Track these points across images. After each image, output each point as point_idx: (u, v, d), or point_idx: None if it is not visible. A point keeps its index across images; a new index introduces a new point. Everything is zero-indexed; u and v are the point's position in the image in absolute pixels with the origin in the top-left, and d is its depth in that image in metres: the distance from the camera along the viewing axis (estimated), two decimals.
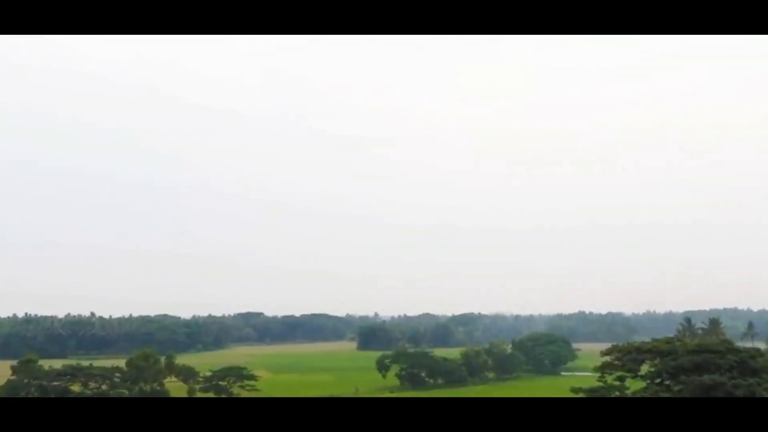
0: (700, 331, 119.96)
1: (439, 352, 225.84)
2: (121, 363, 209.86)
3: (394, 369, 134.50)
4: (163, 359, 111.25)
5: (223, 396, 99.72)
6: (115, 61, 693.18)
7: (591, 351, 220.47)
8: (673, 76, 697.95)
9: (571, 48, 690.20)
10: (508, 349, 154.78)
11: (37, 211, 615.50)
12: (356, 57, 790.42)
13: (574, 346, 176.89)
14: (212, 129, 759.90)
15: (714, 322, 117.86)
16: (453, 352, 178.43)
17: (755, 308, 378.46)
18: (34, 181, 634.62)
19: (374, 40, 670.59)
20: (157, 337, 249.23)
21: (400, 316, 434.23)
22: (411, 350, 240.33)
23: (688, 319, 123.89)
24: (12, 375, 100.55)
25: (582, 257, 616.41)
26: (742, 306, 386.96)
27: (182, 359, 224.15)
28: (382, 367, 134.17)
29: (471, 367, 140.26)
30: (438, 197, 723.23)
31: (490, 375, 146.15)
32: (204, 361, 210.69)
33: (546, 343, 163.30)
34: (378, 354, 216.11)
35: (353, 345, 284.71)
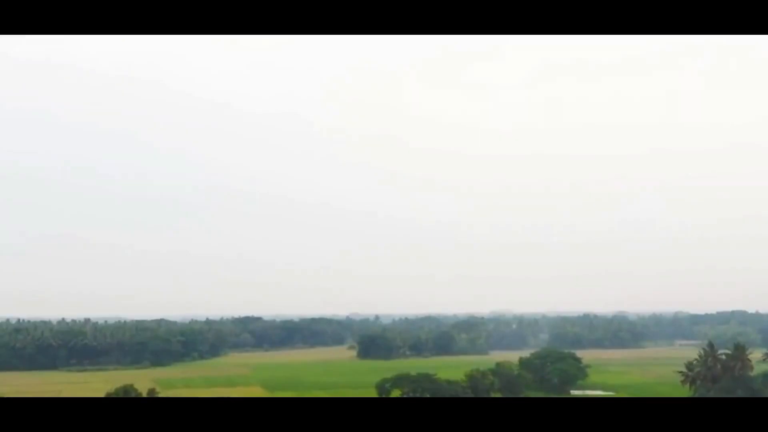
0: (723, 357, 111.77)
1: (442, 361, 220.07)
2: (114, 375, 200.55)
3: (395, 393, 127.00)
4: (146, 392, 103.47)
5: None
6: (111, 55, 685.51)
7: (598, 360, 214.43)
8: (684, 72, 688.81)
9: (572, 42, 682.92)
10: (515, 369, 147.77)
11: (35, 210, 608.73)
12: (358, 53, 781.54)
13: (580, 354, 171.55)
14: (210, 128, 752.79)
15: (739, 348, 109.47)
16: (456, 365, 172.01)
17: (763, 311, 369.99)
18: (29, 179, 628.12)
19: (376, 38, 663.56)
20: (150, 347, 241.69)
21: (401, 319, 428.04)
22: (412, 359, 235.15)
23: (711, 344, 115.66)
24: None
25: (587, 257, 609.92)
26: (751, 309, 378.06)
27: (177, 370, 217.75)
28: (383, 392, 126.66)
29: (477, 390, 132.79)
30: (439, 196, 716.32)
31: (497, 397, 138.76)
32: (199, 374, 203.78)
33: (555, 361, 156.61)
34: (379, 363, 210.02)
35: (353, 353, 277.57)
